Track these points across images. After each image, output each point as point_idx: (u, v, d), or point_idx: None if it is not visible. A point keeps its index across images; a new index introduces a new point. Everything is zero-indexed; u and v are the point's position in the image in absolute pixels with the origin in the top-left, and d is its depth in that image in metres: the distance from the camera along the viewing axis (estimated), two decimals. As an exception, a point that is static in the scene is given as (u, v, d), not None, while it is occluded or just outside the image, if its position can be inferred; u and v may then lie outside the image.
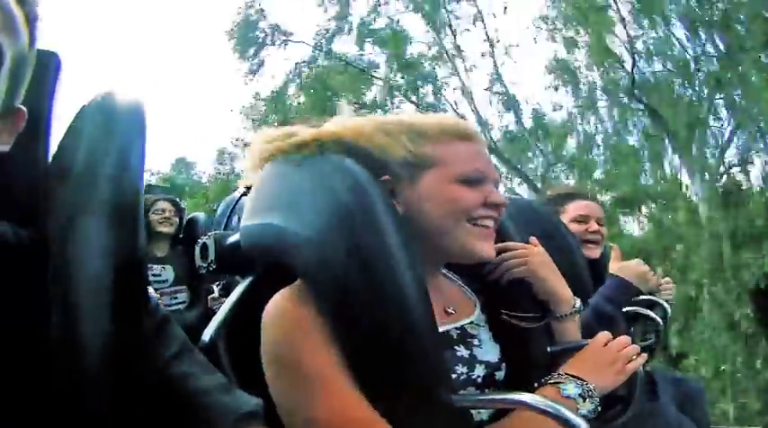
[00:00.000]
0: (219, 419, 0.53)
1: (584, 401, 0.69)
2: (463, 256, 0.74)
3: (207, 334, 0.73)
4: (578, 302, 0.87)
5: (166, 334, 0.57)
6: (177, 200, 2.64)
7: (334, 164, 0.69)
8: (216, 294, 1.82)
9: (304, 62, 8.06)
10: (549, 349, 0.83)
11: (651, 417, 1.44)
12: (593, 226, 1.50)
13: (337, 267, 0.62)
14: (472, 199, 0.72)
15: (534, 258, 0.84)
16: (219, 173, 10.86)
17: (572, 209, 1.52)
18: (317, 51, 8.06)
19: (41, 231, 0.46)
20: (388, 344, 0.61)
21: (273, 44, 7.90)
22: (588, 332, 0.91)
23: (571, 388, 0.70)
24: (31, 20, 0.46)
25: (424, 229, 0.72)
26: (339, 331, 0.62)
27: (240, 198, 1.28)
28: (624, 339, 0.79)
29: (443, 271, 0.83)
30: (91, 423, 0.42)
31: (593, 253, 1.49)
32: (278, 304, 0.66)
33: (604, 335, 0.80)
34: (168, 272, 2.45)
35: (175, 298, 2.38)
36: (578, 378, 0.71)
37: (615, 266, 1.40)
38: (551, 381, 0.72)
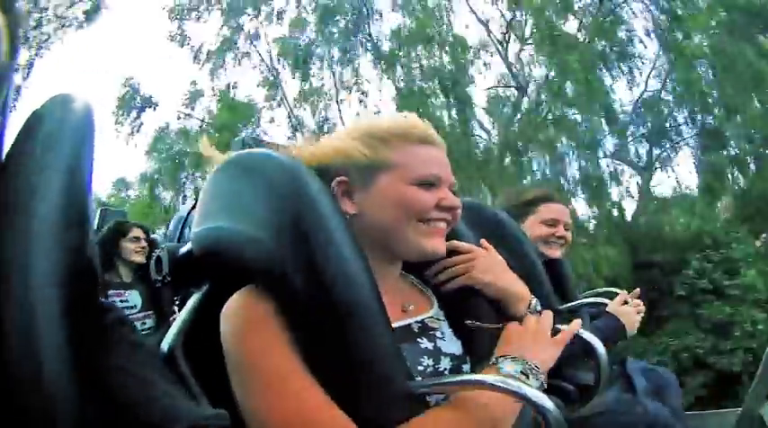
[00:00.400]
0: (183, 420, 0.51)
1: (528, 378, 0.68)
2: (414, 254, 0.76)
3: (165, 344, 0.72)
4: (535, 301, 0.86)
5: (120, 336, 0.56)
6: (147, 227, 2.61)
7: (278, 164, 0.71)
8: (177, 311, 1.79)
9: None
10: None
11: (629, 408, 1.49)
12: (561, 230, 1.56)
13: (286, 265, 0.63)
14: (425, 201, 0.74)
15: (479, 262, 0.84)
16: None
17: (543, 211, 1.57)
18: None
19: None
20: (341, 338, 0.62)
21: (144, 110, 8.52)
22: (573, 359, 0.93)
23: (510, 366, 0.69)
24: (14, 28, 0.46)
25: (378, 229, 0.74)
26: (293, 329, 0.63)
27: (191, 210, 1.28)
28: (545, 315, 0.81)
29: (401, 271, 0.84)
30: (34, 423, 0.42)
31: (554, 252, 1.55)
32: (232, 306, 0.67)
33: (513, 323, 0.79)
34: (135, 298, 2.41)
35: (144, 323, 2.34)
36: (514, 357, 0.70)
37: (616, 307, 1.50)
38: (489, 364, 0.71)
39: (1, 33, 0.44)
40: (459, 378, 0.70)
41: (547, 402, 0.59)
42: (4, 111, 0.56)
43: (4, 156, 0.54)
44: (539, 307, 0.86)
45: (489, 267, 0.85)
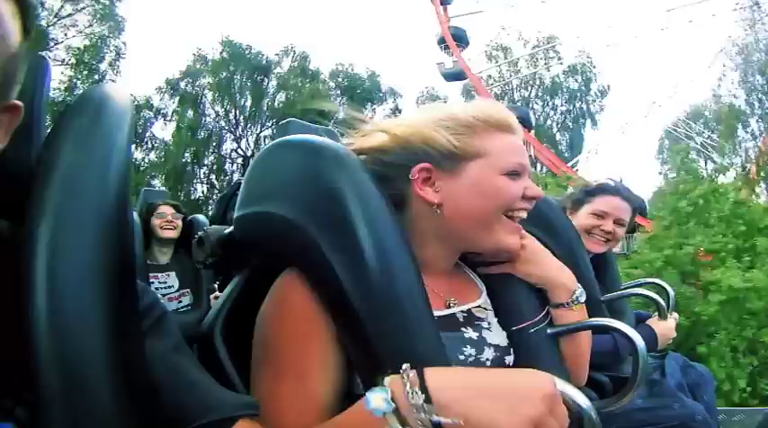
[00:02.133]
0: (214, 411, 0.52)
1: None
2: (493, 247, 0.76)
3: (204, 325, 0.74)
4: (580, 291, 0.85)
5: (163, 329, 0.56)
6: (178, 204, 2.66)
7: (324, 151, 0.70)
8: (217, 293, 1.84)
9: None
10: (548, 331, 0.82)
11: (669, 403, 1.52)
12: (608, 225, 1.51)
13: (327, 254, 0.63)
14: (515, 191, 0.73)
15: (521, 251, 0.82)
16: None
17: (597, 202, 1.53)
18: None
19: (26, 227, 0.45)
20: (378, 328, 0.61)
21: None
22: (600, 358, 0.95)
23: (377, 400, 0.49)
24: (25, 10, 0.45)
25: (462, 219, 0.73)
26: (331, 316, 0.63)
27: (235, 193, 1.30)
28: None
29: None
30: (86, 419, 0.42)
31: (598, 248, 1.51)
32: (277, 285, 0.67)
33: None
34: (173, 279, 2.48)
35: (180, 302, 2.41)
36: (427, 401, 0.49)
37: (656, 322, 1.47)
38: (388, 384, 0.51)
39: (6, 21, 0.43)
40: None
41: (581, 398, 0.57)
42: (39, 102, 0.57)
43: (42, 143, 0.55)
44: (582, 298, 0.85)
45: (530, 255, 0.83)
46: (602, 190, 1.55)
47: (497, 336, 0.77)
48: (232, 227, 0.79)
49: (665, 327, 1.46)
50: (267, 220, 0.69)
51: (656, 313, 1.49)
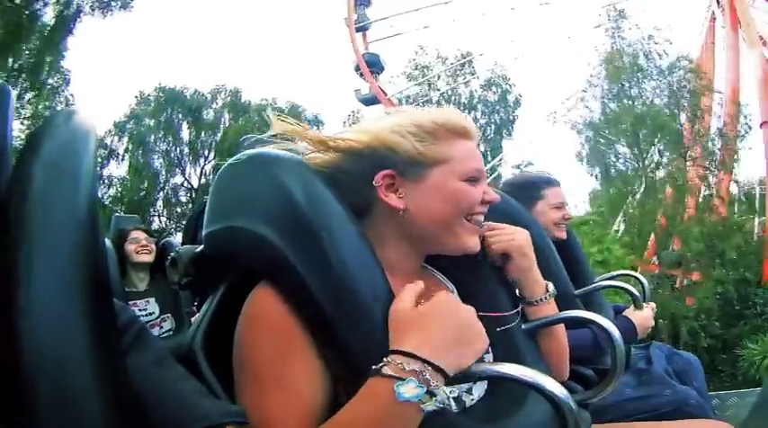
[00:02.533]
0: (199, 420, 0.52)
1: (433, 399, 0.57)
2: (456, 249, 0.77)
3: (184, 345, 0.73)
4: (551, 286, 0.89)
5: (143, 343, 0.57)
6: (149, 229, 2.63)
7: (285, 164, 0.71)
8: (196, 312, 1.81)
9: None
10: (523, 326, 0.84)
11: (659, 390, 1.53)
12: (567, 212, 1.59)
13: (294, 265, 0.64)
14: (475, 196, 0.76)
15: (521, 236, 0.86)
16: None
17: (552, 196, 1.59)
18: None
19: (3, 253, 0.46)
20: (348, 334, 0.62)
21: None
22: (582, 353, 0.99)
23: (411, 390, 0.56)
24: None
25: (426, 223, 0.75)
26: (304, 327, 0.63)
27: (201, 212, 1.29)
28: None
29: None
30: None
31: (563, 234, 1.58)
32: (249, 303, 0.67)
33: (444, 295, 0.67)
34: (153, 305, 2.43)
35: (162, 327, 2.36)
36: (416, 359, 0.57)
37: (632, 312, 1.51)
38: (384, 373, 0.58)
39: None
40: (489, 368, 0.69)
41: (558, 388, 0.59)
42: (5, 128, 0.57)
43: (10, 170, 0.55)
44: (554, 291, 0.88)
45: (528, 243, 0.86)
46: (548, 182, 1.61)
47: None
48: (203, 246, 0.78)
49: (642, 317, 1.50)
50: (234, 235, 0.70)
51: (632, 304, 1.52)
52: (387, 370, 0.57)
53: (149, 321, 2.34)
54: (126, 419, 0.46)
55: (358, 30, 17.65)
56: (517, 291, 0.88)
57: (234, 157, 0.78)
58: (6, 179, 0.55)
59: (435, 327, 0.61)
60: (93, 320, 0.47)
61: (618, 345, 0.86)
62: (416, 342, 0.59)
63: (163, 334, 2.35)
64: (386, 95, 16.95)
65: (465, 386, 0.72)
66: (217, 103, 21.93)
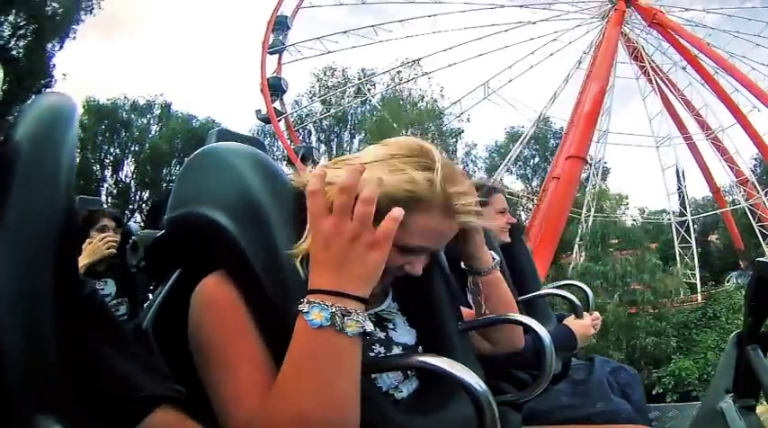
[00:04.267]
0: (131, 397, 0.55)
1: (345, 320, 0.60)
2: None
3: (138, 325, 0.77)
4: (496, 255, 0.97)
5: (100, 318, 0.58)
6: (119, 216, 2.56)
7: (243, 155, 0.77)
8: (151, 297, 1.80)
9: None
10: (459, 325, 0.90)
11: (591, 402, 1.58)
12: (510, 217, 1.68)
13: (245, 251, 0.69)
14: (394, 264, 0.74)
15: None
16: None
17: (497, 202, 1.67)
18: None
19: None
20: (289, 322, 0.65)
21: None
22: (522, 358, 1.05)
23: (317, 315, 0.60)
24: None
25: None
26: (252, 311, 0.68)
27: (166, 199, 1.31)
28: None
29: None
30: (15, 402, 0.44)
31: (507, 237, 1.67)
32: (199, 289, 0.71)
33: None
34: (110, 286, 2.39)
35: (117, 311, 2.33)
36: (325, 293, 0.61)
37: (572, 321, 1.59)
38: (299, 310, 0.62)
39: None
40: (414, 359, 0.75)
41: (474, 379, 0.63)
42: None
43: None
44: (499, 260, 0.97)
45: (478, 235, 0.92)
46: (494, 189, 1.70)
47: (405, 336, 0.84)
48: (163, 232, 0.81)
49: (581, 325, 1.58)
50: (193, 220, 0.74)
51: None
52: (301, 307, 0.61)
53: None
54: (78, 389, 0.48)
55: (273, 53, 19.78)
56: (462, 264, 0.95)
57: (202, 149, 0.82)
58: None
59: (323, 259, 0.62)
60: (62, 284, 0.48)
61: (547, 348, 0.93)
62: (315, 279, 0.63)
63: (119, 317, 2.31)
64: (278, 116, 19.51)
65: (394, 380, 0.77)
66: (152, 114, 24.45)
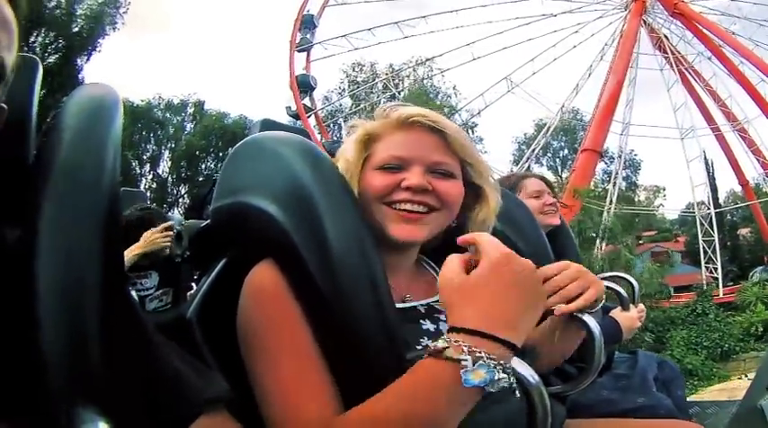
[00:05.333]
0: (185, 400, 0.52)
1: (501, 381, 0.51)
2: (387, 238, 0.76)
3: (184, 314, 0.77)
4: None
5: (135, 319, 0.55)
6: (171, 222, 2.61)
7: (293, 145, 0.74)
8: (195, 287, 1.83)
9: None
10: None
11: (632, 397, 1.55)
12: (549, 199, 1.68)
13: (296, 241, 0.67)
14: (382, 183, 0.75)
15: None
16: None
17: (528, 186, 1.69)
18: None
19: (28, 231, 0.46)
20: (343, 311, 0.65)
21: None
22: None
23: (479, 374, 0.51)
24: (21, 20, 0.47)
25: (365, 215, 0.75)
26: (303, 301, 0.67)
27: (211, 190, 1.33)
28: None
29: (421, 256, 0.86)
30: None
31: (554, 219, 1.66)
32: (250, 278, 0.71)
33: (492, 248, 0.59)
34: (153, 279, 2.46)
35: (161, 300, 2.40)
36: (484, 336, 0.52)
37: (618, 313, 1.55)
38: (447, 355, 0.52)
39: (15, 36, 0.46)
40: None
41: (529, 371, 0.59)
42: (31, 103, 0.59)
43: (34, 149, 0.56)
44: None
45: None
46: (523, 176, 1.73)
47: None
48: (208, 221, 0.82)
49: (627, 318, 1.54)
50: (242, 211, 0.73)
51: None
52: (450, 353, 0.51)
53: (147, 294, 2.37)
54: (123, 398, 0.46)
55: (301, 50, 20.36)
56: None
57: (250, 137, 0.81)
58: (31, 150, 0.57)
59: (498, 294, 0.54)
60: (106, 307, 0.46)
61: (596, 341, 0.89)
62: (480, 315, 0.53)
63: (162, 307, 2.38)
64: (307, 113, 19.92)
65: None
66: (180, 116, 25.85)
